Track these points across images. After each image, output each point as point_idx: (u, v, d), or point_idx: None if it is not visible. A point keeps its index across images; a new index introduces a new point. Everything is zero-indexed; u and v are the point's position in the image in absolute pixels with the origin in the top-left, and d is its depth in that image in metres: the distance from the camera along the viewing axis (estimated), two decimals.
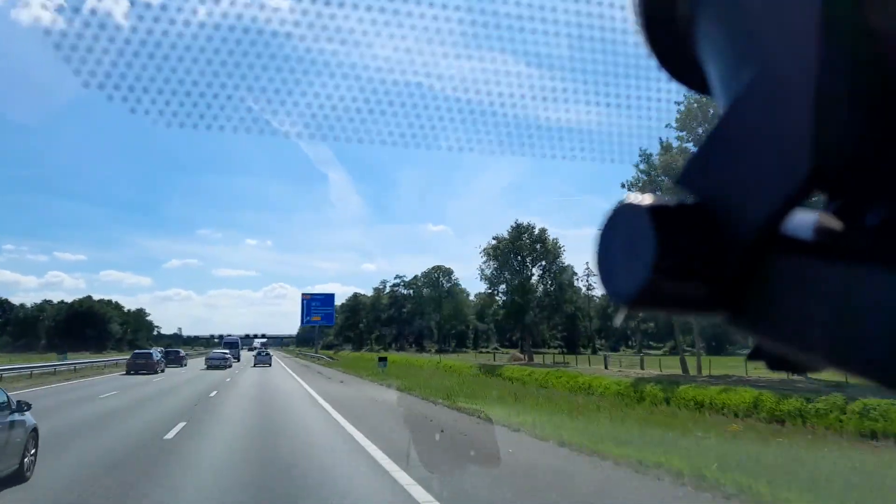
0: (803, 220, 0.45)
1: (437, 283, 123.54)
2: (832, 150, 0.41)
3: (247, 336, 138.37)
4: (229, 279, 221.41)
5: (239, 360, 65.01)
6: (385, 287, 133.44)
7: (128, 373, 36.00)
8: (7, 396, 7.85)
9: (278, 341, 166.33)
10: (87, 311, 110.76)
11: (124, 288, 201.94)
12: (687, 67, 0.55)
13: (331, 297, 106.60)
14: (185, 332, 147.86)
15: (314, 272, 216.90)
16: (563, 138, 1.20)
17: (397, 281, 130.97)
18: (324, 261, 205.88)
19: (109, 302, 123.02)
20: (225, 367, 45.71)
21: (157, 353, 41.14)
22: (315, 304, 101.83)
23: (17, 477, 7.46)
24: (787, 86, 0.43)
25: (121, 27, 0.86)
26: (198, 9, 0.87)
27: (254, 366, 51.46)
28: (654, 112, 0.92)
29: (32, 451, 7.95)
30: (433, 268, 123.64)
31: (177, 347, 59.66)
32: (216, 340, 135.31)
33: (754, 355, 0.50)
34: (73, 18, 0.82)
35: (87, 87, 0.90)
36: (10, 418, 7.44)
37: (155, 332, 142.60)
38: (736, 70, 0.48)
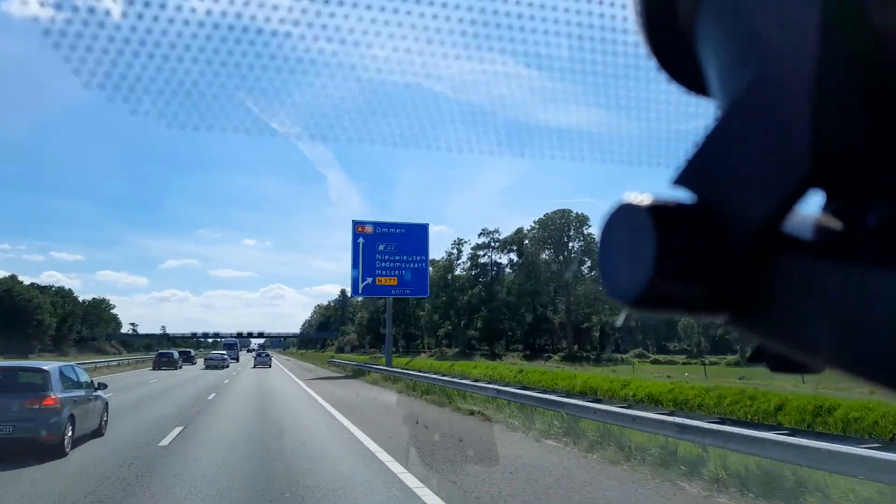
0: (803, 220, 0.45)
1: (561, 240, 65.18)
2: (832, 150, 0.41)
3: (239, 334, 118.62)
4: (226, 280, 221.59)
5: (238, 361, 67.36)
6: (460, 251, 69.72)
7: (154, 369, 46.17)
8: (90, 379, 12.14)
9: (277, 342, 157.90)
10: (5, 296, 75.66)
11: (120, 288, 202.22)
12: (686, 68, 0.55)
13: (422, 232, 41.99)
14: (171, 331, 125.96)
15: (313, 272, 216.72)
16: (563, 139, 1.20)
17: (484, 240, 69.70)
18: (323, 261, 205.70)
19: (46, 288, 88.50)
20: (222, 367, 50.66)
21: (176, 353, 53.03)
22: (386, 247, 40.10)
23: (97, 432, 11.83)
24: (786, 86, 0.43)
25: (120, 27, 0.86)
26: (196, 7, 0.87)
27: (253, 367, 53.10)
28: (653, 114, 0.92)
29: (105, 417, 12.30)
30: (555, 213, 64.39)
31: (160, 348, 64.21)
32: (209, 340, 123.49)
33: (755, 357, 0.50)
34: (73, 18, 0.81)
35: (88, 87, 0.90)
36: (94, 394, 11.73)
37: (130, 330, 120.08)
38: (736, 70, 0.48)
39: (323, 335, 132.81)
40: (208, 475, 8.69)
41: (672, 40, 0.54)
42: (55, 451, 9.37)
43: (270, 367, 53.12)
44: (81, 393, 10.96)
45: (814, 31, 0.40)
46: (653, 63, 0.57)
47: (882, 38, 0.39)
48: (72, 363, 12.70)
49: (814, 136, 0.41)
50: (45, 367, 10.50)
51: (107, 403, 12.50)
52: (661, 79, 0.57)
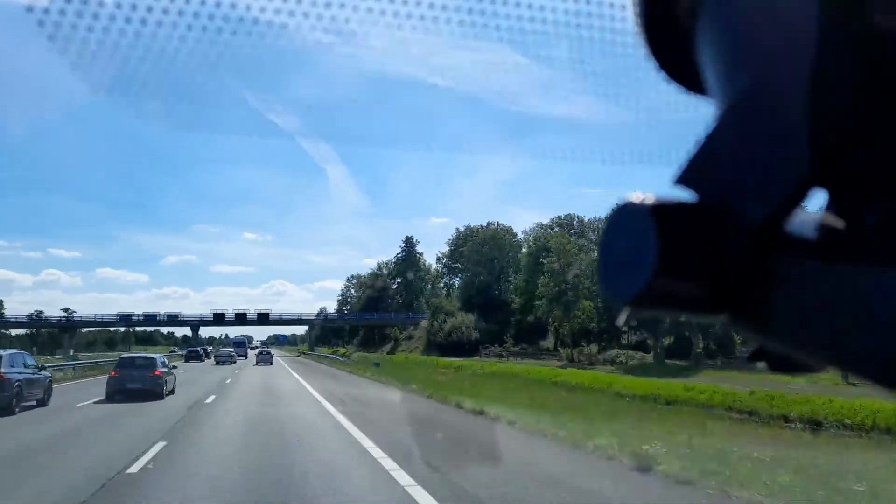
0: (805, 219, 0.45)
1: None
2: (831, 149, 0.41)
3: (217, 315, 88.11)
4: (228, 276, 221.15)
5: (246, 357, 71.35)
6: None
7: (186, 361, 57.66)
8: (169, 363, 24.10)
9: (283, 338, 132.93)
10: None
11: (122, 285, 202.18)
12: (685, 68, 0.55)
13: None
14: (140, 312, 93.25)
15: (314, 268, 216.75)
16: (562, 137, 1.20)
17: None
18: (324, 256, 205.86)
19: None
20: (231, 363, 55.30)
21: (201, 349, 69.36)
22: None
23: (172, 392, 21.29)
24: (786, 86, 0.43)
25: (124, 31, 0.85)
26: None
27: (255, 364, 53.42)
28: (653, 113, 0.92)
29: (175, 384, 22.04)
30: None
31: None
32: (165, 331, 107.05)
33: (756, 356, 0.50)
34: (77, 22, 0.81)
35: (97, 93, 0.90)
36: (171, 371, 22.48)
37: (34, 315, 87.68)
38: (735, 71, 0.48)
39: (378, 318, 77.43)
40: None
41: (671, 40, 0.54)
42: (158, 396, 19.48)
43: (271, 364, 54.05)
44: (167, 369, 21.60)
45: (813, 31, 0.40)
46: (652, 63, 0.57)
47: (882, 38, 0.39)
48: (160, 354, 27.66)
49: (813, 135, 0.41)
50: (153, 356, 22.09)
51: (175, 377, 22.90)
52: (659, 78, 0.56)
